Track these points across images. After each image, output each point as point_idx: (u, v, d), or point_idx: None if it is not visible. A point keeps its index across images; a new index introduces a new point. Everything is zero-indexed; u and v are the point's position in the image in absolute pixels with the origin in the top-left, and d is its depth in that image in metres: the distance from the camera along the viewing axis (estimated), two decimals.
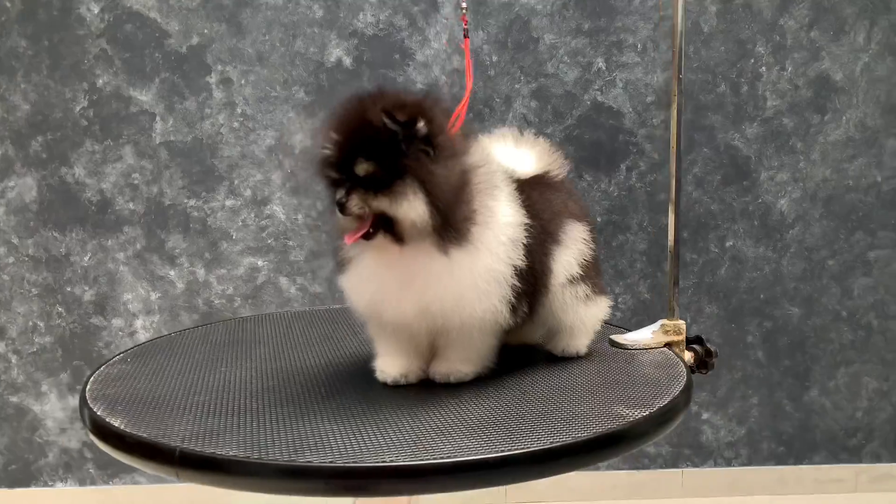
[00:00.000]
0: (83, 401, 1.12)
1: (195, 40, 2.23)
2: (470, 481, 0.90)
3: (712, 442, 2.45)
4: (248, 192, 2.29)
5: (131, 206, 2.29)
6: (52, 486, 2.40)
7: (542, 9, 2.28)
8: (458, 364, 1.18)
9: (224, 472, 0.91)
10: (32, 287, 2.31)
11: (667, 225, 1.92)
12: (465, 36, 1.42)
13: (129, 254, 2.30)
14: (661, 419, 1.06)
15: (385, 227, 1.05)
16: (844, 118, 2.32)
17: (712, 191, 2.35)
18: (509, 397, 1.12)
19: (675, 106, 1.61)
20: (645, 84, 2.30)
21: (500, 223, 1.11)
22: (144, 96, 2.25)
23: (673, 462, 2.45)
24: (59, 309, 2.32)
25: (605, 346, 1.40)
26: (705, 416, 2.43)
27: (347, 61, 2.25)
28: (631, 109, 2.35)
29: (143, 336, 2.32)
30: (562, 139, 2.34)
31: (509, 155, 1.26)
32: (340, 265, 1.15)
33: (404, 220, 1.04)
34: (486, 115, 2.31)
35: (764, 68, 2.30)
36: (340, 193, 1.05)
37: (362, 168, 1.04)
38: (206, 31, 2.22)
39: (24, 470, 2.39)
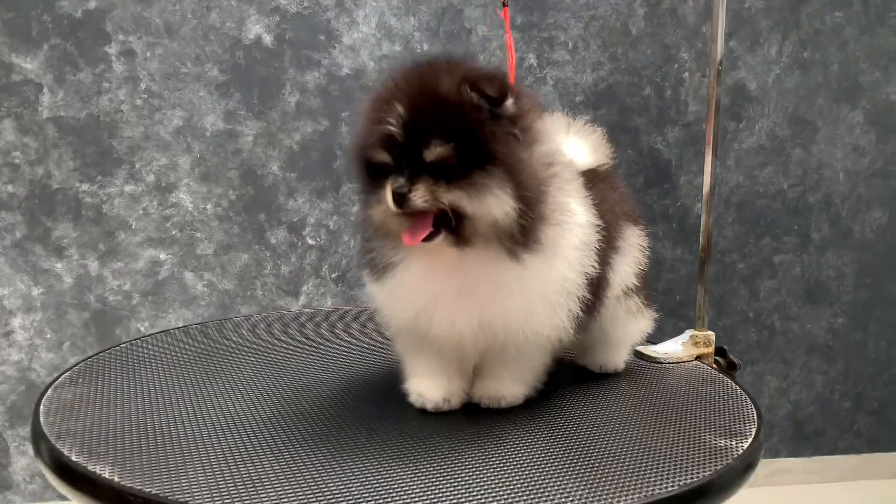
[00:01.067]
0: (39, 435, 0.86)
1: (92, 4, 1.83)
2: None
3: None
4: (150, 178, 1.91)
5: (10, 188, 1.85)
6: None
7: (475, 0, 2.02)
8: (510, 385, 0.96)
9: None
10: None
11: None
12: (505, 4, 1.18)
13: (6, 243, 1.86)
14: (758, 449, 0.89)
15: (447, 224, 0.81)
16: (757, 126, 2.21)
17: (635, 193, 2.17)
18: (577, 427, 0.91)
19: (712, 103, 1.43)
20: (574, 83, 2.10)
21: (575, 224, 0.89)
22: (29, 64, 1.82)
23: None
24: None
25: (631, 358, 1.19)
26: None
27: (268, 39, 1.91)
28: (560, 108, 2.12)
29: (20, 336, 1.88)
30: None
31: (564, 144, 1.01)
32: (376, 270, 0.89)
33: (483, 219, 0.81)
34: None
35: (687, 74, 2.15)
36: (400, 182, 0.80)
37: (435, 152, 0.80)
38: None
39: None
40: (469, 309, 0.84)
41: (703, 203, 1.38)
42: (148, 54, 1.91)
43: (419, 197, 0.79)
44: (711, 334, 1.30)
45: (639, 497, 0.70)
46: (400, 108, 0.79)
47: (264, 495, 0.72)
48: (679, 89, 2.21)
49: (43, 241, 1.91)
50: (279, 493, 0.72)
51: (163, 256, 1.98)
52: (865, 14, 2.24)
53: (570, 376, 1.09)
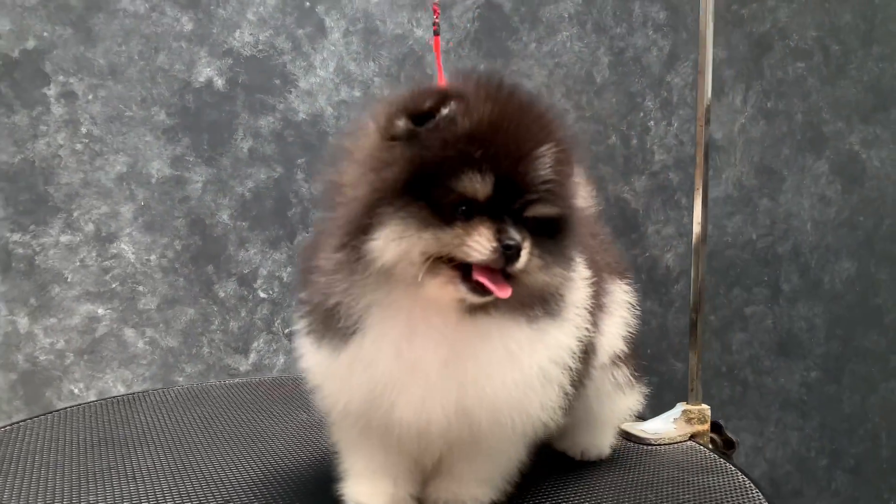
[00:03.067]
0: None
1: (31, 44, 1.50)
2: None
3: None
4: (89, 227, 1.55)
5: None
6: None
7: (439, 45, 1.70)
8: (475, 487, 0.70)
9: None
10: None
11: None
12: (436, 33, 1.03)
13: None
14: None
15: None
16: (724, 176, 1.90)
17: None
18: None
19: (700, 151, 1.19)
20: None
21: (578, 279, 0.69)
22: None
23: None
24: None
25: (617, 439, 0.94)
26: None
27: (219, 82, 1.59)
28: None
29: None
30: None
31: None
32: (334, 331, 0.63)
33: (538, 284, 0.63)
34: None
35: (652, 122, 1.85)
36: (511, 232, 0.59)
37: (547, 210, 0.62)
38: (45, 34, 1.50)
39: None
40: (453, 386, 0.62)
41: (693, 260, 1.17)
42: (90, 97, 1.59)
43: (525, 257, 0.60)
44: (706, 409, 1.06)
45: None
46: (548, 148, 0.61)
47: None
48: (645, 138, 1.91)
49: None
50: None
51: (101, 311, 1.61)
52: (826, 65, 1.97)
53: (545, 466, 0.80)
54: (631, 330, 0.83)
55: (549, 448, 0.83)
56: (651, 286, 2.02)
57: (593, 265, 0.75)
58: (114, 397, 1.04)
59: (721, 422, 1.07)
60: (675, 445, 0.96)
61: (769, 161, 2.05)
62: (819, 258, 2.10)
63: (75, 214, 1.66)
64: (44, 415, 0.95)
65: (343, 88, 1.78)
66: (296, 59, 1.76)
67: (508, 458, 0.72)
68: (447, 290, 0.60)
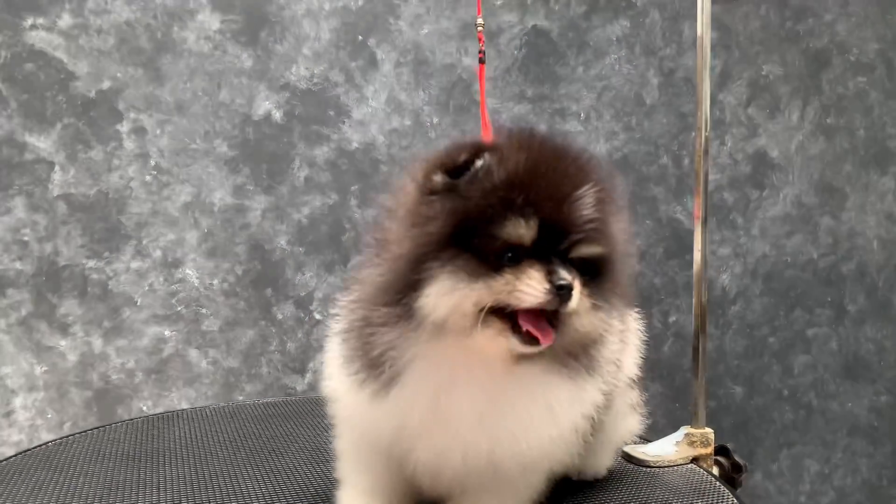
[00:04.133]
0: None
1: (106, 84, 1.51)
2: None
3: None
4: (157, 253, 1.54)
5: (18, 265, 1.50)
6: None
7: (486, 72, 1.62)
8: None
9: None
10: None
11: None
12: (481, 61, 0.94)
13: (11, 321, 1.50)
14: None
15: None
16: (781, 194, 1.74)
17: (655, 264, 1.71)
18: None
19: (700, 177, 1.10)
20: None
21: (616, 331, 0.66)
22: (42, 143, 1.50)
23: None
24: None
25: (617, 460, 0.90)
26: None
27: (277, 115, 1.56)
28: None
29: (21, 417, 1.50)
30: None
31: None
32: (378, 377, 0.60)
33: (586, 334, 0.59)
34: None
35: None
36: (561, 272, 0.56)
37: (592, 250, 0.58)
38: (119, 74, 1.51)
39: None
40: (484, 439, 0.58)
41: (694, 279, 1.08)
42: (158, 131, 1.59)
43: (576, 297, 0.57)
44: (710, 432, 0.99)
45: None
46: (589, 189, 0.58)
47: None
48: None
49: (48, 318, 1.56)
50: None
51: (167, 333, 1.59)
52: (890, 78, 1.79)
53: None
54: (641, 355, 0.80)
55: None
56: (706, 307, 1.86)
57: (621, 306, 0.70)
58: (155, 414, 1.03)
59: (729, 445, 1.01)
60: (675, 468, 0.92)
61: (830, 178, 1.88)
62: (887, 278, 1.90)
63: (145, 242, 1.67)
64: (88, 430, 0.99)
65: (394, 117, 1.74)
66: (349, 90, 1.72)
67: (530, 492, 0.68)
68: (498, 342, 0.57)
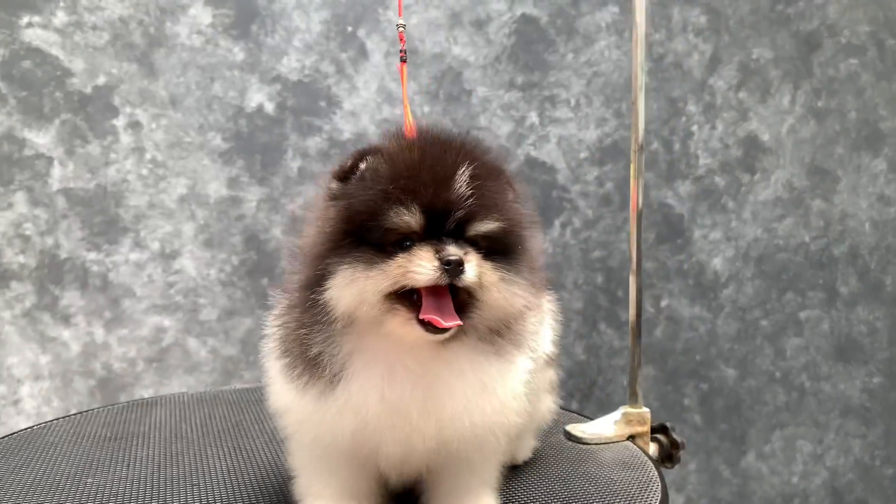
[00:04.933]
0: None
1: (102, 80, 1.49)
2: None
3: None
4: (155, 245, 1.53)
5: (21, 259, 1.50)
6: None
7: (474, 61, 1.61)
8: (482, 492, 0.68)
9: None
10: None
11: (603, 283, 1.51)
12: (403, 60, 0.93)
13: (16, 312, 1.50)
14: None
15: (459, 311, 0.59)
16: (773, 178, 1.70)
17: (646, 249, 1.68)
18: None
19: (634, 169, 1.15)
20: (578, 140, 1.64)
21: (543, 309, 0.70)
22: (41, 139, 1.49)
23: None
24: None
25: (559, 438, 0.96)
26: None
27: (269, 107, 1.54)
28: (564, 165, 1.68)
29: (28, 405, 1.51)
30: None
31: None
32: (319, 376, 0.61)
33: (501, 309, 0.61)
34: None
35: (696, 127, 1.67)
36: (449, 249, 0.58)
37: (488, 226, 0.60)
38: (114, 70, 1.49)
39: None
40: (432, 423, 0.61)
41: (634, 263, 1.14)
42: (153, 125, 1.57)
43: (471, 269, 0.58)
44: (646, 412, 1.02)
45: None
46: (464, 172, 0.60)
47: None
48: (688, 142, 1.74)
49: (51, 309, 1.56)
50: None
51: (167, 323, 1.59)
52: (882, 60, 1.74)
53: None
54: (557, 335, 0.82)
55: None
56: (698, 291, 1.84)
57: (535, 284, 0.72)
58: (135, 401, 1.06)
59: (668, 424, 1.05)
60: (610, 445, 0.97)
61: (821, 161, 1.83)
62: (879, 259, 1.86)
63: (142, 234, 1.66)
64: (67, 416, 1.05)
65: (385, 107, 1.71)
66: (339, 81, 1.70)
67: (498, 459, 0.72)
68: (406, 331, 0.59)
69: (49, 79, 1.64)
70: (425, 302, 0.58)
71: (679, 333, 1.86)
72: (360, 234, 0.60)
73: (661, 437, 1.06)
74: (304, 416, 0.64)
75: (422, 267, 0.57)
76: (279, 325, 0.67)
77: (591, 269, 1.82)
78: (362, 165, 0.63)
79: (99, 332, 1.68)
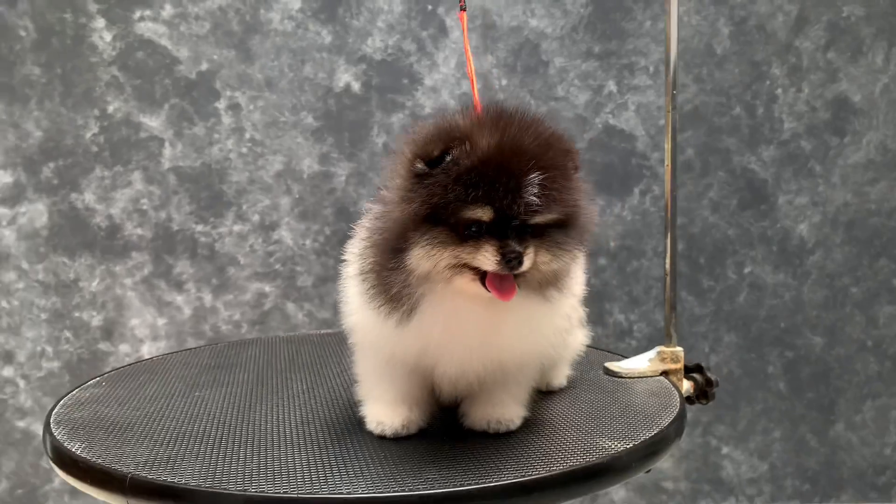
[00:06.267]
0: (46, 425, 0.82)
1: (204, 66, 1.56)
2: None
3: (733, 478, 1.64)
4: (255, 218, 1.60)
5: (139, 231, 1.60)
6: None
7: (551, 32, 1.58)
8: (514, 408, 0.78)
9: (174, 501, 0.64)
10: (41, 312, 1.62)
11: (684, 250, 1.52)
12: (462, 8, 0.99)
13: (136, 279, 1.61)
14: (645, 451, 0.75)
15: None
16: (864, 140, 1.58)
17: (729, 215, 1.60)
18: (489, 437, 0.77)
19: (669, 126, 1.14)
20: (658, 107, 1.58)
21: (580, 260, 0.77)
22: (154, 122, 1.58)
23: (692, 498, 1.65)
24: (67, 334, 1.62)
25: (598, 374, 1.04)
26: (725, 450, 1.64)
27: (356, 86, 1.57)
28: (644, 132, 1.62)
29: None
30: None
31: None
32: (399, 310, 0.71)
33: (552, 272, 0.70)
34: None
35: (780, 90, 1.58)
36: (510, 245, 0.66)
37: (548, 217, 0.68)
38: (215, 57, 1.56)
39: (29, 495, 1.67)
40: (490, 349, 0.72)
41: (667, 213, 1.18)
42: (251, 107, 1.64)
43: (529, 259, 0.67)
44: (680, 350, 1.07)
45: (516, 476, 0.66)
46: (534, 176, 0.66)
47: (209, 467, 0.70)
48: (772, 107, 1.64)
49: (166, 277, 1.67)
50: (219, 468, 0.69)
51: (267, 289, 1.66)
52: None
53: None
54: (583, 280, 0.88)
55: None
56: (783, 258, 1.74)
57: None
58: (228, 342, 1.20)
59: (703, 364, 1.11)
60: (644, 379, 1.02)
61: None
62: None
63: (244, 207, 1.74)
64: (179, 351, 1.25)
65: (464, 82, 1.71)
66: (421, 59, 1.71)
67: (530, 382, 0.81)
68: (471, 287, 0.68)
69: (159, 67, 1.73)
70: (490, 275, 0.67)
71: (763, 300, 1.77)
72: (439, 215, 0.67)
73: (696, 375, 1.10)
74: (384, 337, 0.73)
75: (486, 259, 0.66)
76: (361, 261, 0.75)
77: None
78: (447, 157, 0.67)
79: (207, 297, 1.78)
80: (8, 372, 1.78)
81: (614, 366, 1.05)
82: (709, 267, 1.77)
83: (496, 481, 0.64)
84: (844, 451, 1.80)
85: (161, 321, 1.78)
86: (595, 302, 1.76)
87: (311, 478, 0.66)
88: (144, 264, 1.77)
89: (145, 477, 0.67)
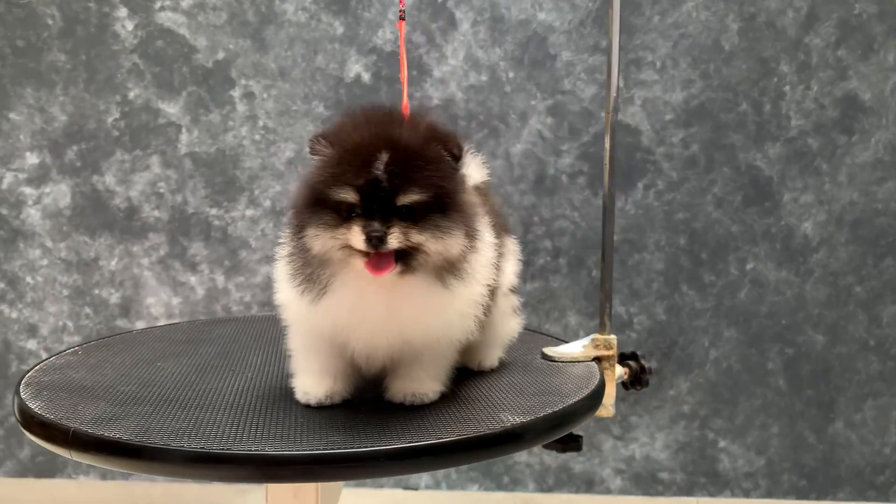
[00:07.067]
0: (16, 386, 0.90)
1: (221, 55, 1.59)
2: (328, 473, 0.70)
3: (729, 471, 1.63)
4: (267, 203, 1.62)
5: (157, 213, 1.64)
6: (75, 478, 1.73)
7: (559, 26, 1.57)
8: (430, 383, 0.84)
9: (110, 453, 0.72)
10: (63, 288, 1.67)
11: (686, 245, 1.53)
12: (401, 17, 1.08)
13: (153, 259, 1.65)
14: (543, 426, 0.80)
15: (401, 258, 0.73)
16: (873, 139, 1.54)
17: (732, 211, 1.58)
18: (404, 408, 0.83)
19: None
20: (664, 102, 1.57)
21: (486, 246, 0.81)
22: (172, 108, 1.61)
23: (687, 490, 1.64)
24: (87, 310, 1.68)
25: (535, 357, 1.08)
26: (722, 443, 1.62)
27: (366, 77, 1.58)
28: (649, 127, 1.61)
29: None
30: (577, 156, 1.61)
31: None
32: (312, 290, 0.78)
33: (440, 256, 0.74)
34: (501, 131, 1.61)
35: (788, 87, 1.55)
36: (373, 225, 0.71)
37: (410, 198, 0.73)
38: (231, 46, 1.58)
39: (49, 462, 1.73)
40: (392, 327, 0.78)
41: (605, 215, 1.18)
42: (265, 95, 1.66)
43: (394, 238, 0.72)
44: (613, 338, 1.11)
45: (407, 442, 0.72)
46: (384, 156, 0.72)
47: (151, 424, 0.76)
48: (779, 103, 1.61)
49: (181, 258, 1.70)
50: (162, 426, 0.76)
51: None
52: None
53: (459, 373, 0.95)
54: (517, 270, 0.96)
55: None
56: (786, 255, 1.71)
57: (497, 224, 0.88)
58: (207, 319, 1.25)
59: (639, 352, 1.16)
60: (575, 364, 1.05)
61: None
62: None
63: (256, 192, 1.76)
64: (158, 326, 1.22)
65: (472, 74, 1.71)
66: (430, 50, 1.71)
67: (445, 361, 0.85)
68: (363, 270, 0.73)
69: (178, 55, 1.76)
70: (371, 256, 0.72)
71: (764, 297, 1.74)
72: (322, 200, 0.74)
73: (631, 362, 1.15)
74: (301, 314, 0.80)
75: (355, 237, 0.71)
76: (287, 244, 0.82)
77: (673, 231, 1.74)
78: (318, 149, 0.76)
79: (220, 279, 1.81)
80: (32, 345, 1.84)
81: (551, 350, 1.09)
82: (710, 262, 1.74)
83: (385, 445, 0.70)
84: (843, 448, 1.77)
85: (175, 300, 1.82)
86: (595, 294, 1.75)
87: (232, 438, 0.72)
88: (160, 245, 1.81)
89: (86, 431, 0.73)
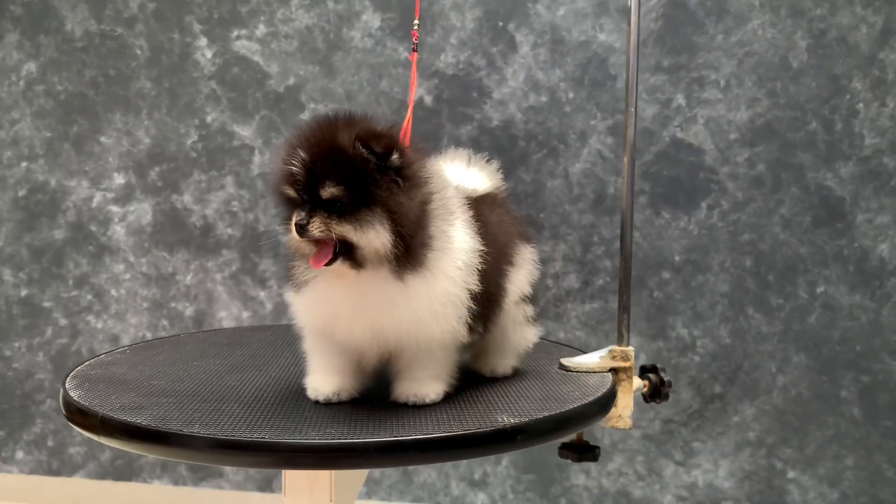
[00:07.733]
0: (63, 379, 0.97)
1: (292, 81, 1.65)
2: (329, 461, 0.74)
3: (799, 503, 1.53)
4: None
5: (230, 231, 1.70)
6: (150, 482, 1.79)
7: (620, 46, 1.55)
8: (431, 383, 0.86)
9: (133, 438, 0.77)
10: (143, 301, 1.76)
11: (752, 266, 1.50)
12: (414, 50, 1.14)
13: (225, 275, 1.71)
14: (535, 428, 0.81)
15: (345, 252, 0.78)
16: None
17: (801, 233, 1.51)
18: (406, 407, 0.86)
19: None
20: (728, 121, 1.52)
21: (456, 248, 0.82)
22: (246, 131, 1.68)
23: None
24: (164, 322, 1.75)
25: (554, 367, 1.08)
26: (791, 474, 1.54)
27: (428, 99, 1.61)
28: (713, 146, 1.56)
29: None
30: (639, 175, 1.58)
31: (463, 174, 1.01)
32: (296, 284, 0.86)
33: (367, 248, 0.78)
34: (560, 151, 1.60)
35: (861, 104, 1.47)
36: (301, 215, 0.78)
37: (329, 191, 0.77)
38: (301, 72, 1.64)
39: (126, 465, 1.80)
40: (363, 320, 0.81)
41: (623, 212, 1.16)
42: None
43: (315, 227, 0.77)
44: (630, 350, 1.08)
45: (395, 436, 0.75)
46: (303, 154, 0.78)
47: (174, 414, 0.82)
48: (852, 121, 1.54)
49: (251, 273, 1.76)
50: (186, 416, 0.81)
51: None
52: None
53: (471, 379, 0.99)
54: (534, 279, 0.98)
55: (467, 368, 0.99)
56: (860, 279, 1.62)
57: (505, 233, 0.92)
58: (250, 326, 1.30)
59: (659, 365, 1.14)
60: (591, 374, 1.04)
61: None
62: None
63: None
64: (200, 331, 1.32)
65: (531, 95, 1.71)
66: (490, 73, 1.72)
67: (444, 361, 0.87)
68: (312, 263, 0.79)
69: (252, 81, 1.84)
70: (317, 248, 0.78)
71: (836, 322, 1.65)
72: (281, 197, 0.82)
73: (651, 375, 1.13)
74: (294, 310, 0.88)
75: (292, 227, 0.78)
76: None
77: (739, 253, 1.68)
78: (278, 151, 0.83)
79: (287, 295, 1.86)
80: None
81: (568, 361, 1.09)
82: (778, 285, 1.66)
83: (374, 437, 0.74)
84: None
85: (245, 314, 1.88)
86: (657, 315, 1.70)
87: (240, 427, 0.77)
88: (233, 261, 1.88)
89: (113, 417, 0.79)
